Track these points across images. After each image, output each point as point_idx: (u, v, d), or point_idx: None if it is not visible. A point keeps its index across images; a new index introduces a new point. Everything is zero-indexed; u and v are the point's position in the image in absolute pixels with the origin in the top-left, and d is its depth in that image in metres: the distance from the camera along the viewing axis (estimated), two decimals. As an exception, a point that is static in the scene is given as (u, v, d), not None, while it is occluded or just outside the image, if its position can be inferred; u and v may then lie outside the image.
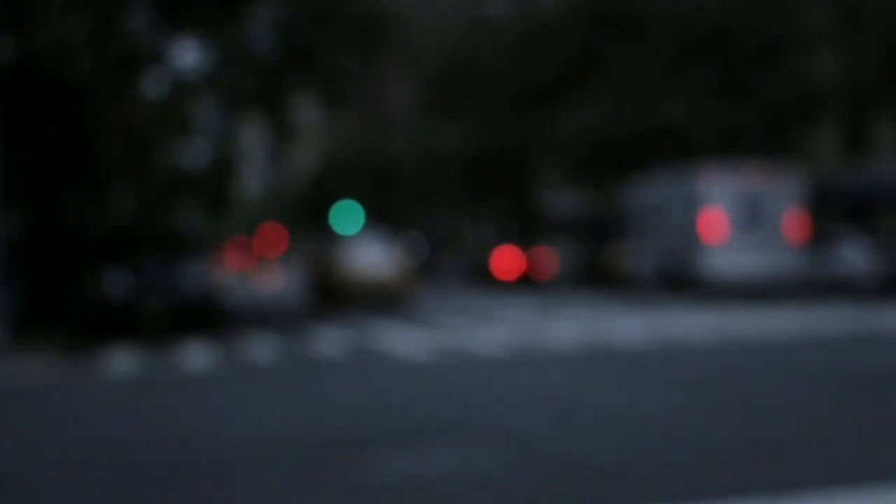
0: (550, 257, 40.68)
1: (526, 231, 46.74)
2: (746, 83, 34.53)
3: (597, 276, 37.35)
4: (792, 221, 28.38)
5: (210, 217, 40.61)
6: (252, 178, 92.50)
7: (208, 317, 21.45)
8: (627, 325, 17.34)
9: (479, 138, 45.02)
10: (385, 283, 26.14)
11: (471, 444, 6.97)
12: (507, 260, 43.57)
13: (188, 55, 26.94)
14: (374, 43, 25.28)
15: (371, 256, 26.82)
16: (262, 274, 28.68)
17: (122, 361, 15.56)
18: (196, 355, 15.89)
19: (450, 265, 56.94)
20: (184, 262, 21.65)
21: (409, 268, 27.30)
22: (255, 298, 26.83)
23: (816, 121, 35.09)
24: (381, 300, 25.89)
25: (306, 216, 74.49)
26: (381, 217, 65.04)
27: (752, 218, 28.30)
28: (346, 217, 70.11)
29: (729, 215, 28.27)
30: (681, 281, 29.31)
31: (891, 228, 30.84)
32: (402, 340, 16.67)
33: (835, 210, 33.27)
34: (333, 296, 26.24)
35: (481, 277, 46.03)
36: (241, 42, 25.26)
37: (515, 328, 18.03)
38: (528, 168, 45.62)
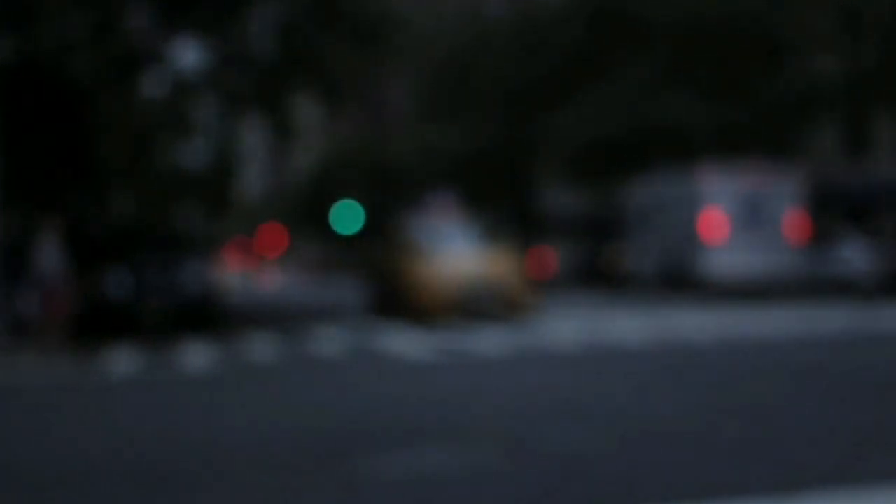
0: (550, 257, 40.70)
1: (526, 231, 46.74)
2: (746, 83, 34.53)
3: (597, 276, 37.36)
4: (792, 221, 28.38)
5: (210, 217, 40.62)
6: (252, 178, 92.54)
7: (209, 317, 21.45)
8: (627, 325, 17.34)
9: (478, 138, 45.00)
10: (495, 287, 19.63)
11: (471, 444, 6.97)
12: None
13: (188, 55, 26.95)
14: (374, 43, 25.27)
15: (472, 251, 20.30)
16: (262, 273, 27.59)
17: (122, 361, 15.56)
18: (196, 355, 15.89)
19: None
20: (184, 261, 21.65)
21: (522, 266, 20.72)
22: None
23: (816, 121, 35.08)
24: (490, 309, 19.48)
25: (306, 216, 74.49)
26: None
27: (751, 218, 28.30)
28: (346, 217, 70.11)
29: (729, 215, 28.28)
30: (680, 281, 29.32)
31: (891, 228, 30.84)
32: (402, 340, 16.67)
33: (835, 210, 33.29)
34: (416, 304, 19.78)
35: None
36: (241, 42, 25.25)
37: (515, 328, 18.03)
38: (527, 168, 45.61)
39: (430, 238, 20.79)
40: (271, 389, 11.25)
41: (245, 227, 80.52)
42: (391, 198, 61.23)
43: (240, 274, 56.48)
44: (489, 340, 15.87)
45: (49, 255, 18.40)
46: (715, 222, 28.27)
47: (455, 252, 20.27)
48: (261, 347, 16.73)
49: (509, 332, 17.25)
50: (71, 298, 18.55)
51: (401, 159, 56.74)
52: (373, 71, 38.15)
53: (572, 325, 17.98)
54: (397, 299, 20.41)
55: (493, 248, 20.70)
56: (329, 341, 17.21)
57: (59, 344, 17.99)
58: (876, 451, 6.21)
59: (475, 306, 19.42)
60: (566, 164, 39.77)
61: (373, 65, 31.06)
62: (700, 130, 34.48)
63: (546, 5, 41.13)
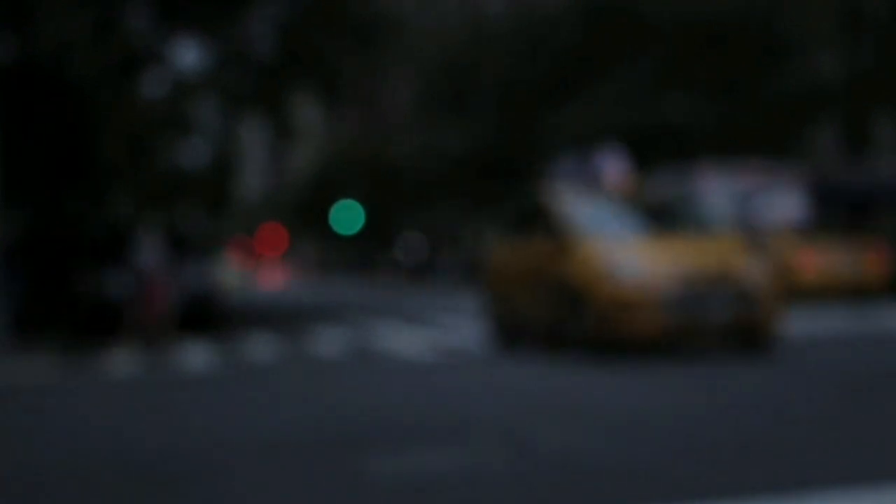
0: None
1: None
2: (746, 83, 34.52)
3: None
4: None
5: (210, 217, 40.64)
6: (252, 178, 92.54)
7: (209, 317, 21.47)
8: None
9: (478, 138, 45.01)
10: (735, 296, 12.45)
11: (471, 444, 6.98)
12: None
13: (188, 55, 26.96)
14: (374, 43, 25.29)
15: (681, 240, 13.35)
16: (262, 273, 27.07)
17: (122, 361, 15.56)
18: (196, 355, 15.89)
19: (450, 265, 56.93)
20: (185, 261, 21.67)
21: (765, 274, 12.77)
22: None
23: (816, 121, 35.10)
24: (725, 332, 12.53)
25: (306, 216, 74.52)
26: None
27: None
28: (346, 217, 70.18)
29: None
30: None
31: (891, 228, 30.85)
32: (402, 340, 16.66)
33: (834, 209, 33.29)
34: (600, 328, 12.51)
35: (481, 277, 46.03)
36: (241, 42, 25.27)
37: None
38: (527, 168, 45.60)
39: (604, 223, 13.67)
40: (271, 389, 11.25)
41: (245, 227, 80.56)
42: (391, 198, 61.24)
43: (240, 273, 56.50)
44: (488, 339, 15.86)
45: (150, 250, 18.43)
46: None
47: (650, 243, 13.19)
48: (261, 347, 16.73)
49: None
50: (168, 294, 18.59)
51: (401, 159, 56.74)
52: (373, 71, 38.16)
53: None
54: (557, 323, 13.32)
55: (713, 236, 13.78)
56: (329, 341, 17.21)
57: (156, 338, 18.00)
58: (876, 450, 6.20)
59: (702, 327, 12.41)
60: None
61: (373, 65, 31.06)
62: (700, 130, 34.48)
63: (546, 5, 41.12)
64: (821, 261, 23.48)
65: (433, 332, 18.04)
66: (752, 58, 34.10)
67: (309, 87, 26.86)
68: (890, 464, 5.75)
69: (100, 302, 20.63)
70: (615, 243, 13.08)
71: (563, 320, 13.16)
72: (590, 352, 12.65)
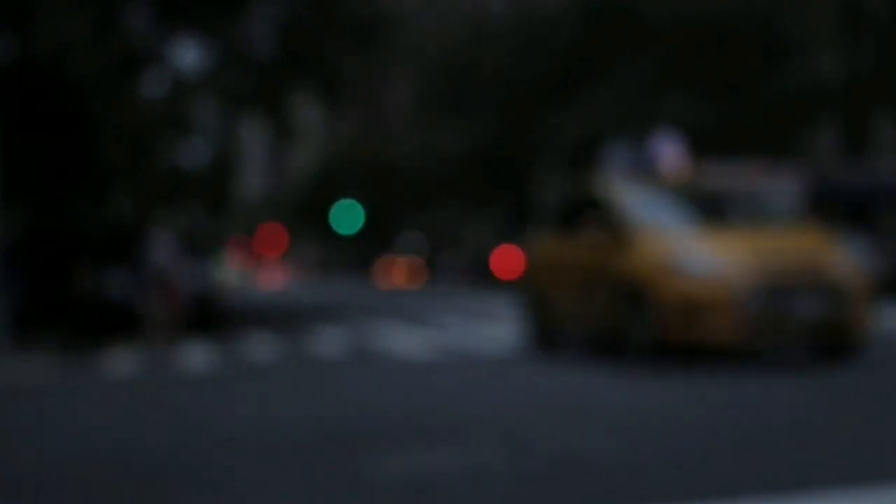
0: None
1: (526, 231, 46.74)
2: (746, 83, 34.53)
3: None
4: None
5: (210, 217, 40.64)
6: (252, 178, 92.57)
7: (210, 316, 21.47)
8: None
9: (478, 138, 45.01)
10: (825, 292, 11.06)
11: (471, 443, 6.98)
12: (507, 260, 43.57)
13: (188, 55, 26.96)
14: (374, 43, 25.29)
15: (759, 231, 12.02)
16: (262, 273, 26.75)
17: (122, 361, 15.56)
18: (196, 355, 15.90)
19: (450, 265, 56.93)
20: (185, 261, 21.67)
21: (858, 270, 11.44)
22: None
23: (816, 121, 35.11)
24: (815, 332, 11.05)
25: (306, 216, 74.52)
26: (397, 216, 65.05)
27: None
28: (346, 217, 70.19)
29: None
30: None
31: (891, 228, 30.85)
32: (402, 340, 16.67)
33: (834, 209, 33.28)
34: (669, 328, 11.12)
35: (481, 277, 46.02)
36: (241, 42, 25.28)
37: (515, 328, 18.04)
38: (527, 168, 45.60)
39: (666, 214, 12.41)
40: (271, 389, 11.25)
41: (245, 227, 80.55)
42: (391, 198, 61.25)
43: (240, 273, 56.54)
44: (489, 340, 15.87)
45: (163, 250, 18.44)
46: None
47: (721, 235, 11.74)
48: (261, 347, 16.74)
49: (509, 331, 17.21)
50: (179, 294, 18.60)
51: (401, 159, 56.75)
52: (373, 71, 38.19)
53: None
54: (611, 325, 12.02)
55: (795, 227, 12.47)
56: (329, 341, 17.22)
57: (171, 338, 18.01)
58: (876, 450, 6.20)
59: (785, 327, 10.92)
60: (566, 163, 39.78)
61: (373, 65, 31.08)
62: (700, 130, 34.49)
63: (546, 5, 41.13)
64: None
65: (433, 332, 18.04)
66: (752, 58, 34.10)
67: (309, 87, 26.87)
68: None
69: (100, 302, 20.62)
70: (681, 235, 11.71)
71: (620, 322, 11.75)
72: (652, 357, 11.24)
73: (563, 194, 14.52)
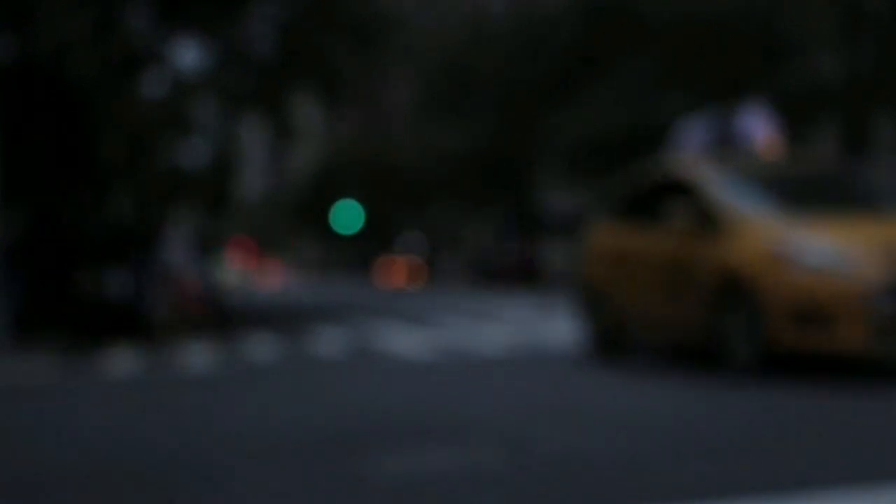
0: (549, 257, 40.70)
1: (526, 231, 46.75)
2: (746, 83, 34.53)
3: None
4: None
5: (210, 217, 40.61)
6: (252, 178, 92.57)
7: (210, 316, 21.48)
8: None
9: (478, 138, 45.02)
10: None
11: (471, 444, 6.98)
12: (505, 260, 43.57)
13: (188, 55, 26.96)
14: (374, 43, 25.30)
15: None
16: (262, 273, 26.62)
17: (122, 361, 15.56)
18: (196, 355, 15.89)
19: (450, 265, 56.95)
20: (162, 263, 21.69)
21: None
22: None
23: (816, 120, 35.11)
24: None
25: (306, 216, 74.54)
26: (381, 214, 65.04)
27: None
28: (346, 217, 70.20)
29: None
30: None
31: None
32: (402, 340, 16.67)
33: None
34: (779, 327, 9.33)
35: (481, 277, 46.04)
36: (241, 42, 25.28)
37: (515, 328, 18.04)
38: (527, 168, 45.60)
39: (769, 198, 10.49)
40: (271, 389, 11.25)
41: (245, 227, 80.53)
42: (391, 198, 61.24)
43: (240, 273, 56.56)
44: (489, 341, 15.87)
45: (178, 249, 18.49)
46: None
47: (839, 222, 9.96)
48: (261, 347, 16.74)
49: (509, 332, 17.24)
50: (197, 291, 18.62)
51: (401, 159, 56.76)
52: (373, 71, 38.19)
53: (572, 325, 17.98)
54: (704, 328, 10.15)
55: None
56: (329, 341, 17.21)
57: (185, 335, 18.03)
58: (877, 450, 6.20)
59: None
60: (566, 163, 39.80)
61: (373, 65, 31.08)
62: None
63: (546, 5, 41.14)
64: None
65: (433, 332, 18.03)
66: (752, 58, 34.10)
67: (309, 87, 26.87)
68: None
69: (100, 302, 20.63)
70: (790, 222, 9.87)
71: (713, 325, 9.98)
72: (757, 369, 9.48)
73: (628, 179, 12.37)
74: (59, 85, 21.57)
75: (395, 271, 60.06)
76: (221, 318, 21.95)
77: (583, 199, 43.25)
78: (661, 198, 11.17)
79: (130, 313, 20.33)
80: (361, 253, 74.32)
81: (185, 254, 18.45)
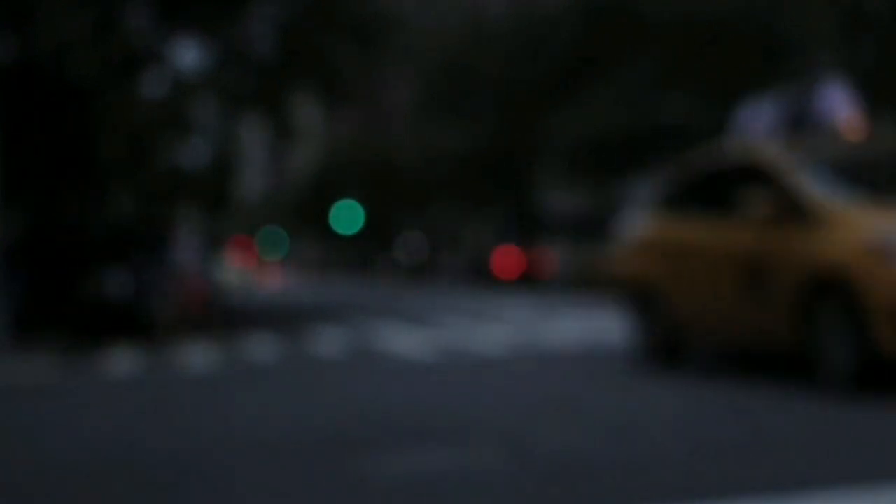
0: (550, 257, 40.70)
1: (526, 231, 46.75)
2: (746, 83, 34.53)
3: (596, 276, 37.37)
4: None
5: (210, 217, 40.60)
6: (252, 178, 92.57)
7: (215, 316, 21.50)
8: (626, 325, 17.34)
9: (478, 138, 45.03)
10: None
11: (471, 444, 6.98)
12: (507, 260, 43.58)
13: (188, 55, 26.95)
14: (374, 43, 25.30)
15: None
16: (262, 273, 26.56)
17: (122, 361, 15.56)
18: (196, 355, 15.90)
19: (450, 265, 56.93)
20: (173, 262, 21.70)
21: None
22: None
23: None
24: None
25: (306, 216, 74.56)
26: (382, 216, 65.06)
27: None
28: (346, 217, 70.21)
29: None
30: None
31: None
32: (402, 340, 16.67)
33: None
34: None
35: (481, 277, 46.03)
36: (241, 42, 25.28)
37: (515, 328, 18.04)
38: (527, 168, 45.61)
39: (861, 183, 9.29)
40: (271, 389, 11.25)
41: (245, 227, 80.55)
42: (391, 198, 61.25)
43: (240, 273, 56.55)
44: (489, 341, 15.87)
45: (187, 249, 18.53)
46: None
47: None
48: (261, 347, 16.74)
49: (509, 332, 17.25)
50: (205, 291, 18.65)
51: (401, 159, 56.76)
52: (373, 71, 38.22)
53: (572, 325, 17.99)
54: (792, 333, 8.85)
55: None
56: (329, 341, 17.22)
57: (189, 335, 18.05)
58: (878, 450, 6.20)
59: None
60: (566, 163, 39.81)
61: (373, 65, 31.09)
62: (700, 130, 34.49)
63: (546, 5, 41.14)
64: None
65: (433, 332, 18.03)
66: (752, 58, 34.09)
67: (309, 87, 26.88)
68: None
69: (100, 302, 20.63)
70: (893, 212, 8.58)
71: (806, 329, 8.67)
72: (862, 376, 8.20)
73: (684, 166, 11.03)
74: (59, 85, 21.58)
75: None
76: (224, 317, 21.96)
77: (583, 199, 43.27)
78: (728, 185, 9.91)
79: (130, 313, 20.32)
80: (361, 253, 74.33)
81: (194, 253, 18.47)
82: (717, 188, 10.13)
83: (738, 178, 9.78)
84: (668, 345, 10.74)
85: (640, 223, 11.58)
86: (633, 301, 11.27)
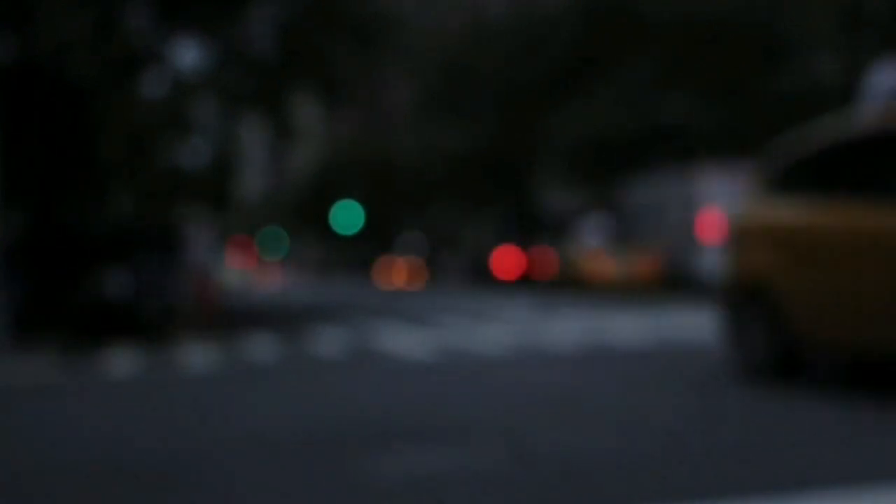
0: (550, 257, 40.71)
1: (526, 231, 46.75)
2: (746, 83, 34.54)
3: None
4: None
5: (210, 217, 40.63)
6: (252, 178, 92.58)
7: (222, 316, 21.51)
8: (627, 325, 17.34)
9: (478, 138, 45.04)
10: None
11: (471, 443, 6.98)
12: (507, 260, 43.59)
13: (188, 55, 26.95)
14: (374, 43, 25.29)
15: None
16: (262, 273, 26.55)
17: (122, 361, 15.56)
18: (196, 355, 15.90)
19: (450, 265, 56.94)
20: (185, 261, 21.69)
21: None
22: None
23: (816, 120, 35.14)
24: None
25: (306, 216, 74.58)
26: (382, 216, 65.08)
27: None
28: (346, 217, 70.22)
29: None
30: (679, 281, 29.32)
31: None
32: (402, 340, 16.66)
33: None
34: None
35: (481, 277, 46.03)
36: (241, 42, 25.27)
37: (515, 328, 18.04)
38: (527, 168, 45.62)
39: None
40: (271, 389, 11.25)
41: (245, 227, 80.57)
42: (391, 198, 61.26)
43: (240, 273, 56.56)
44: (489, 341, 15.87)
45: (201, 247, 18.52)
46: (713, 223, 28.26)
47: None
48: (261, 347, 16.74)
49: (509, 332, 17.25)
50: (216, 291, 18.66)
51: (401, 159, 56.78)
52: (373, 71, 38.22)
53: (572, 326, 17.99)
54: None
55: None
56: (329, 341, 17.21)
57: (206, 331, 18.06)
58: (883, 449, 6.20)
59: None
60: (566, 163, 39.82)
61: (373, 65, 31.09)
62: (700, 130, 34.49)
63: (546, 5, 41.16)
64: None
65: (433, 332, 18.03)
66: (752, 58, 34.12)
67: (309, 87, 26.87)
68: None
69: (100, 302, 20.63)
70: None
71: None
72: None
73: (798, 141, 9.20)
74: (59, 85, 21.57)
75: (396, 271, 59.91)
76: (225, 318, 21.96)
77: (582, 199, 43.28)
78: (862, 160, 8.27)
79: (130, 313, 20.32)
80: (361, 253, 74.36)
81: (205, 253, 18.46)
82: (846, 164, 8.43)
83: (875, 150, 8.11)
84: (792, 355, 8.93)
85: (743, 209, 9.94)
86: (736, 300, 9.52)
